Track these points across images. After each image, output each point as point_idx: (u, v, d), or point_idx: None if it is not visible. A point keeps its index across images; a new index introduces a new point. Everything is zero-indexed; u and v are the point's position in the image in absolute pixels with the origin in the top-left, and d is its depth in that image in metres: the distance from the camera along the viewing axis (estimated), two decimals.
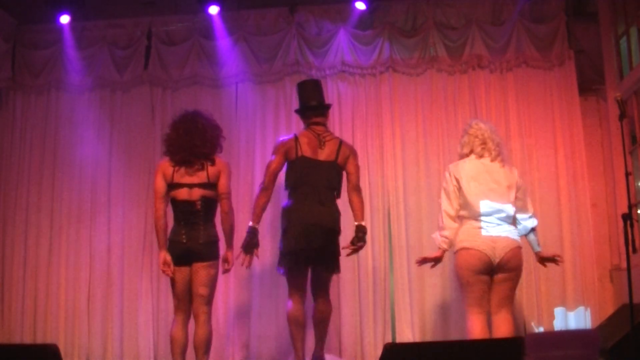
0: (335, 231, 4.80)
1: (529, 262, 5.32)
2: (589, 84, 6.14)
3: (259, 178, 6.06)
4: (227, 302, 5.96)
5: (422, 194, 5.94)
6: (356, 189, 4.87)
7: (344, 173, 4.89)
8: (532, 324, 5.67)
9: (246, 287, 5.95)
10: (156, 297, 5.96)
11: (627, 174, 4.66)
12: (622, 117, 4.33)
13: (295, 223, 4.70)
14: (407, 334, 5.71)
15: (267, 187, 4.78)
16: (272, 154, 4.90)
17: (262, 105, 6.25)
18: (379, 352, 4.16)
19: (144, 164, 6.19)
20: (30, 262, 6.14)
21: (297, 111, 5.12)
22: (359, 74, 6.17)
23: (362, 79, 6.18)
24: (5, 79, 6.37)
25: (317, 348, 4.83)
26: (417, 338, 5.69)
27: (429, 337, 5.69)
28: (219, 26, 6.20)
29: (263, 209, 4.78)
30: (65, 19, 6.22)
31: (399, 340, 5.69)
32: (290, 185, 4.82)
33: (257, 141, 6.17)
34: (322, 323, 4.81)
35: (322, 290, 4.81)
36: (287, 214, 4.77)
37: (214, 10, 6.10)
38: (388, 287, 5.86)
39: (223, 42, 6.24)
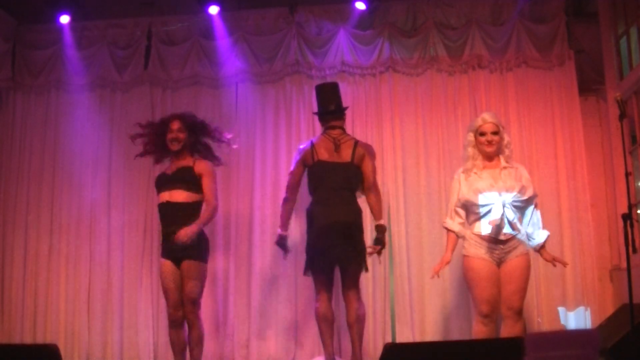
0: (357, 226, 4.83)
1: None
2: (589, 84, 6.14)
3: (258, 177, 6.08)
4: (227, 302, 5.96)
5: (422, 194, 5.94)
6: (371, 188, 4.91)
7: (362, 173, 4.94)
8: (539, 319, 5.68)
9: (246, 287, 5.95)
10: (156, 297, 5.95)
11: (627, 174, 4.65)
12: (622, 117, 4.33)
13: (316, 224, 4.78)
14: (407, 334, 5.71)
15: (288, 199, 5.00)
16: (293, 164, 5.03)
17: (262, 105, 6.25)
18: (379, 352, 4.16)
19: (144, 164, 6.16)
20: (30, 262, 6.14)
21: (315, 114, 5.16)
22: (359, 74, 6.16)
23: (362, 79, 6.18)
24: (5, 79, 6.37)
25: (356, 351, 4.77)
26: (417, 338, 5.69)
27: (429, 337, 5.69)
28: (219, 26, 6.21)
29: (288, 217, 4.99)
30: (65, 19, 6.22)
31: (399, 340, 5.69)
32: (311, 189, 4.94)
33: (257, 141, 6.17)
34: (357, 323, 4.78)
35: (351, 289, 4.80)
36: (308, 216, 4.89)
37: (214, 10, 6.10)
38: (388, 287, 5.86)
39: (223, 42, 6.24)
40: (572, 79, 6.00)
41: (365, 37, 6.18)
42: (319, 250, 4.74)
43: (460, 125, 5.93)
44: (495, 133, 4.53)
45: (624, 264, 4.25)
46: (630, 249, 3.93)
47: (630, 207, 4.20)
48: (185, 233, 4.68)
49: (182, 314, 4.80)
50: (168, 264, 4.81)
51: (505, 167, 4.52)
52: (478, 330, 4.39)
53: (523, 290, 4.41)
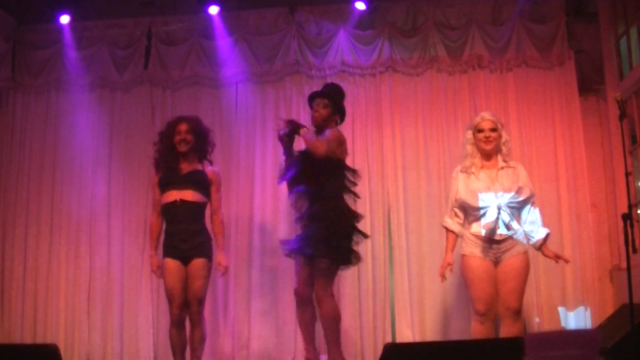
0: None
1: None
2: (589, 84, 6.14)
3: (259, 178, 6.08)
4: (227, 302, 5.95)
5: (422, 194, 5.94)
6: None
7: None
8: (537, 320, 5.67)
9: (246, 287, 5.95)
10: (156, 297, 5.96)
11: (627, 174, 4.66)
12: (622, 117, 4.32)
13: (351, 216, 4.78)
14: (407, 334, 5.71)
15: None
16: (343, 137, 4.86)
17: (262, 105, 6.25)
18: (379, 352, 4.16)
19: (143, 164, 6.17)
20: (30, 262, 6.14)
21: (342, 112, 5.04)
22: (359, 74, 6.16)
23: (362, 79, 6.17)
24: (5, 79, 6.37)
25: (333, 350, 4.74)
26: (417, 338, 5.69)
27: (429, 337, 5.69)
28: (219, 26, 6.21)
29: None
30: (65, 19, 6.22)
31: (399, 340, 5.69)
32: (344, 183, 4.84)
33: (257, 141, 6.16)
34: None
35: None
36: (348, 210, 4.79)
37: (214, 10, 6.10)
38: (388, 287, 5.86)
39: (223, 42, 6.24)
40: (572, 79, 5.99)
41: (365, 37, 6.18)
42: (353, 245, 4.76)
43: (460, 125, 5.92)
44: (494, 130, 4.53)
45: (624, 264, 4.25)
46: (630, 249, 3.92)
47: (630, 207, 4.20)
48: (222, 263, 4.87)
49: (186, 313, 4.80)
50: (174, 263, 4.79)
51: (502, 167, 4.52)
52: (476, 329, 4.41)
53: (520, 290, 4.42)
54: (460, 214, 4.55)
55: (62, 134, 6.35)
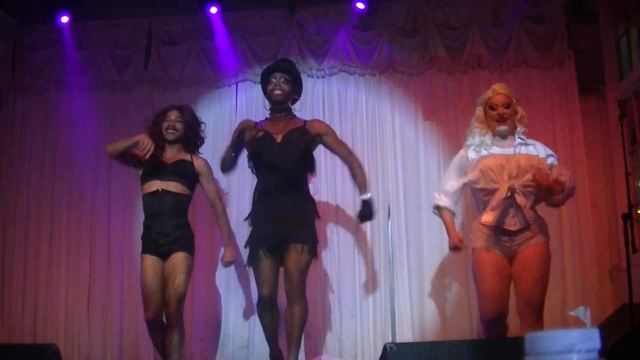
0: None
1: None
2: (589, 84, 6.13)
3: None
4: (227, 302, 5.95)
5: (422, 194, 5.94)
6: None
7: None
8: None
9: (246, 287, 5.94)
10: None
11: (627, 174, 4.64)
12: (622, 117, 4.32)
13: None
14: (407, 334, 5.71)
15: None
16: None
17: (262, 105, 6.22)
18: (379, 352, 4.16)
19: None
20: (30, 262, 6.14)
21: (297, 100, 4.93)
22: (359, 74, 6.16)
23: (362, 79, 6.17)
24: (5, 79, 6.37)
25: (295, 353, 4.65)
26: (417, 338, 5.68)
27: (429, 337, 5.69)
28: (219, 26, 6.20)
29: None
30: (65, 19, 6.22)
31: (399, 340, 5.68)
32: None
33: None
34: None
35: None
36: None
37: (214, 10, 6.10)
38: (388, 286, 5.86)
39: (223, 42, 6.24)
40: (572, 79, 5.99)
41: (365, 37, 6.18)
42: None
43: (460, 125, 5.91)
44: (508, 106, 4.09)
45: (624, 264, 4.24)
46: (630, 249, 3.92)
47: (630, 207, 4.19)
48: (233, 254, 4.80)
49: (162, 316, 4.56)
50: (153, 260, 4.56)
51: (520, 144, 4.09)
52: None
53: (541, 282, 3.90)
54: (452, 194, 4.27)
55: (62, 134, 6.34)
